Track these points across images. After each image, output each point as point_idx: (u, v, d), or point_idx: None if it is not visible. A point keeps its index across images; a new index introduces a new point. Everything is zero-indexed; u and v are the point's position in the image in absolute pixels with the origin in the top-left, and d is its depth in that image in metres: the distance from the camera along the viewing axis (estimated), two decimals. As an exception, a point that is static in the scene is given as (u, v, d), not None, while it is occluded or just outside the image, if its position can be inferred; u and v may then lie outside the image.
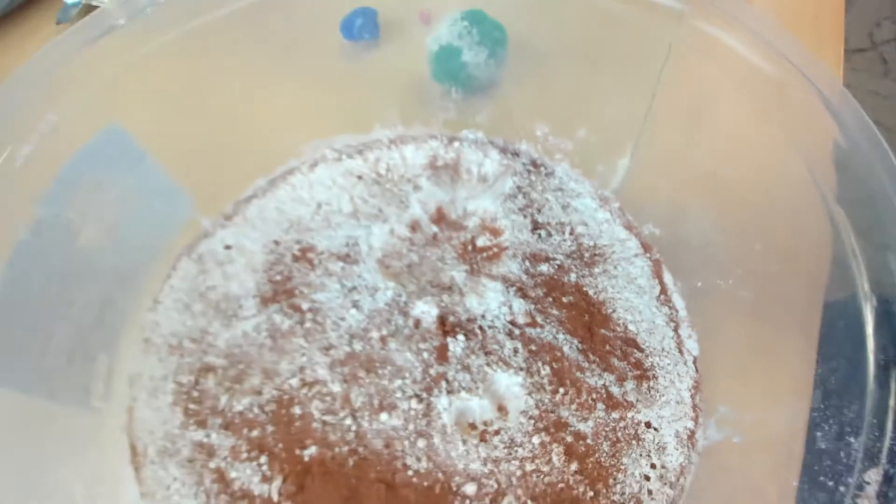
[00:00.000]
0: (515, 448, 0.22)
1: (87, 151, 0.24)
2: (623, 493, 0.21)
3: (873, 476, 0.15)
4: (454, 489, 0.22)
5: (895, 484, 0.14)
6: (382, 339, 0.25)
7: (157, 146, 0.26)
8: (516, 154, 0.29)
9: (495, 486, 0.22)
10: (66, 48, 0.22)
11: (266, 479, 0.23)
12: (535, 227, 0.27)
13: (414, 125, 0.29)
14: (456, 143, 0.29)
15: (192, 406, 0.25)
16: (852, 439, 0.16)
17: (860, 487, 0.15)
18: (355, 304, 0.26)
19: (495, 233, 0.27)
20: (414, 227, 0.28)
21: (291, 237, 0.27)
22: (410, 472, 0.22)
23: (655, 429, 0.22)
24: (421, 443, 0.23)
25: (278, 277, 0.27)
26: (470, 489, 0.22)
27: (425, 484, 0.22)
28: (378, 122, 0.29)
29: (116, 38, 0.23)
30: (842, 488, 0.15)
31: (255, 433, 0.23)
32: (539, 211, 0.27)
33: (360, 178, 0.28)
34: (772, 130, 0.22)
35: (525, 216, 0.27)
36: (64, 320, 0.24)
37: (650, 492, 0.21)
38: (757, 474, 0.19)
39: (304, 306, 0.26)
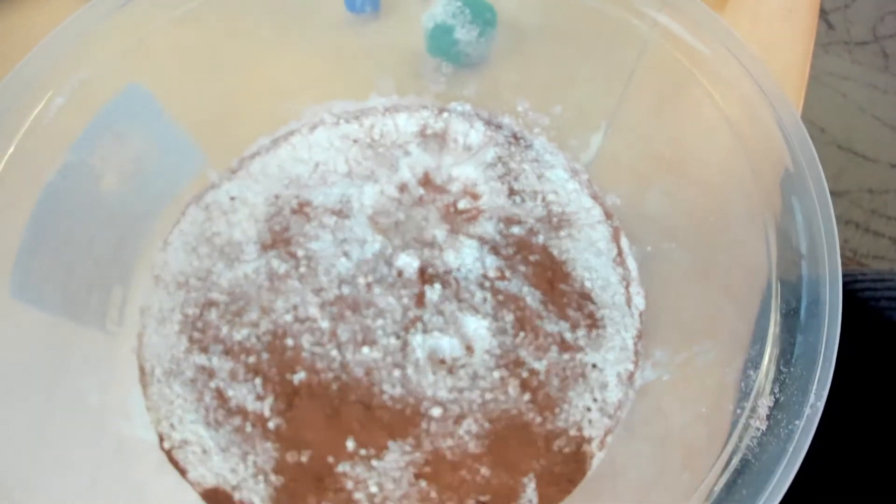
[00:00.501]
0: (478, 380, 0.26)
1: (111, 106, 0.26)
2: (567, 420, 0.25)
3: (764, 402, 0.18)
4: (422, 412, 0.25)
5: (780, 405, 0.18)
6: (368, 285, 0.28)
7: (173, 104, 0.28)
8: (499, 127, 0.31)
9: (458, 410, 0.25)
10: (98, 13, 0.25)
11: (259, 398, 0.26)
12: (511, 193, 0.30)
13: (408, 95, 0.32)
14: (445, 114, 0.32)
15: (196, 334, 0.28)
16: (752, 373, 0.19)
17: (754, 410, 0.18)
18: (345, 254, 0.29)
19: (475, 197, 0.30)
20: (402, 188, 0.30)
21: (291, 192, 0.30)
22: (386, 397, 0.25)
23: (600, 369, 0.25)
24: (396, 373, 0.26)
25: (277, 227, 0.30)
26: (436, 412, 0.25)
27: (398, 406, 0.25)
28: (374, 90, 0.31)
29: (141, 5, 0.25)
30: (739, 411, 0.18)
31: (251, 359, 0.27)
32: (516, 179, 0.30)
33: (355, 141, 0.31)
34: (727, 131, 0.25)
35: (503, 183, 0.30)
36: (85, 254, 0.27)
37: (590, 421, 0.25)
38: (677, 404, 0.22)
39: (300, 253, 0.29)
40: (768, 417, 0.18)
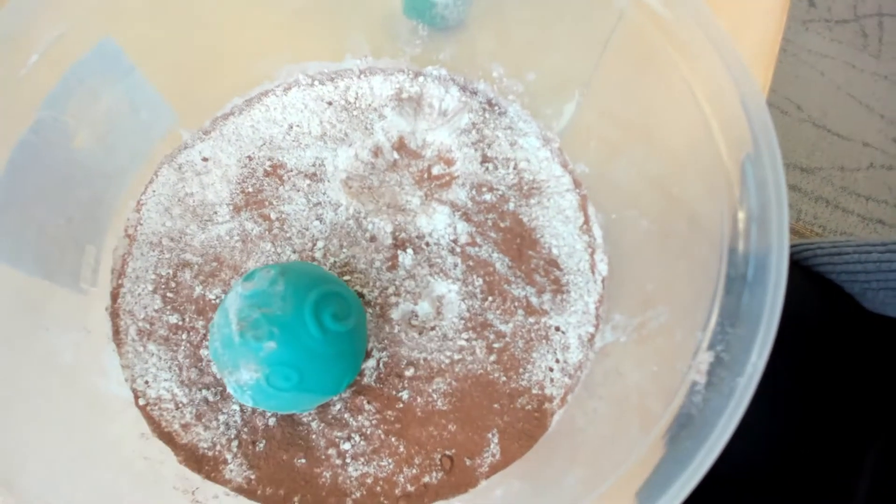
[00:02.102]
0: (447, 342, 0.27)
1: (84, 62, 0.26)
2: (530, 380, 0.26)
3: (706, 358, 0.19)
4: (397, 372, 0.26)
5: (725, 364, 0.19)
6: (341, 248, 0.29)
7: (145, 62, 0.28)
8: (474, 93, 0.32)
9: (428, 370, 0.26)
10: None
11: (232, 357, 0.27)
12: (484, 160, 0.30)
13: (383, 58, 0.32)
14: (421, 78, 0.32)
15: (169, 294, 0.28)
16: (699, 333, 0.20)
17: (698, 367, 0.19)
18: (319, 217, 0.29)
19: (448, 163, 0.31)
20: (377, 152, 0.31)
21: (264, 154, 0.30)
22: (356, 357, 0.26)
23: (563, 332, 0.26)
24: (366, 333, 0.27)
25: (250, 189, 0.30)
26: (408, 372, 0.26)
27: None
28: (349, 51, 0.31)
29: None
30: (685, 369, 0.19)
31: (224, 318, 0.27)
32: (489, 146, 0.31)
33: (329, 103, 0.31)
34: (693, 104, 0.25)
35: (476, 150, 0.31)
36: (58, 212, 0.27)
37: (552, 380, 0.26)
38: (632, 365, 0.23)
39: (273, 216, 0.29)
40: (708, 373, 0.19)
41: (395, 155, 0.31)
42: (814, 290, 0.40)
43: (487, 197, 0.30)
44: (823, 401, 0.36)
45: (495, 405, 0.26)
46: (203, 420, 0.26)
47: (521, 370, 0.26)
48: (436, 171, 0.30)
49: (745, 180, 0.21)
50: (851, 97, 1.00)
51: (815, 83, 1.03)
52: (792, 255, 0.42)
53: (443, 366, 0.26)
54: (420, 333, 0.27)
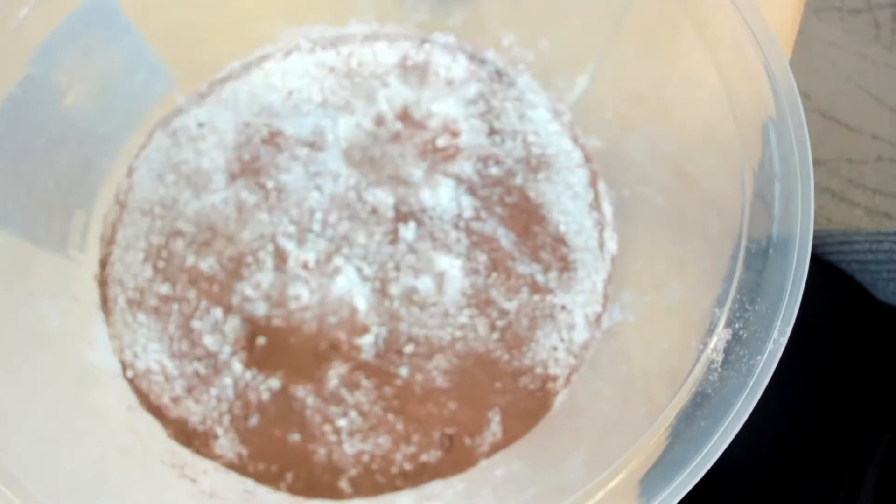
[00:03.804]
0: (448, 318, 0.26)
1: (76, 16, 0.25)
2: (533, 359, 0.25)
3: (724, 335, 0.18)
4: (396, 348, 0.25)
5: (743, 341, 0.18)
6: (340, 220, 0.28)
7: (141, 20, 0.27)
8: (483, 61, 0.30)
9: (429, 347, 0.25)
10: None
11: (225, 330, 0.26)
12: (492, 132, 0.29)
13: (388, 23, 0.30)
14: (427, 45, 0.30)
15: (160, 263, 0.27)
16: (717, 311, 0.19)
17: (715, 345, 0.18)
18: (318, 188, 0.28)
19: (454, 134, 0.29)
20: (379, 121, 0.29)
21: (262, 120, 0.29)
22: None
23: (568, 311, 0.25)
24: (365, 307, 0.26)
25: (247, 157, 0.29)
26: (408, 349, 0.25)
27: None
28: (353, 15, 0.30)
29: None
30: (701, 346, 0.18)
31: (216, 288, 0.26)
32: (497, 118, 0.29)
33: (331, 70, 0.30)
34: (714, 76, 0.24)
35: (483, 121, 0.29)
36: (46, 174, 0.26)
37: (556, 360, 0.25)
38: (641, 345, 0.22)
39: (270, 185, 0.28)
40: (726, 350, 0.18)
41: (399, 125, 0.29)
42: (822, 279, 0.39)
43: (494, 171, 0.28)
44: (831, 392, 0.35)
45: (497, 384, 0.25)
46: (194, 393, 0.26)
47: (524, 349, 0.25)
48: (440, 142, 0.29)
49: (769, 150, 0.19)
50: (861, 88, 0.99)
51: (826, 73, 1.01)
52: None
53: (444, 343, 0.25)
54: (421, 309, 0.26)
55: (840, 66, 1.02)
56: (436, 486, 0.24)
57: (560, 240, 0.27)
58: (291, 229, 0.27)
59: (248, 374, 0.26)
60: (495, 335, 0.25)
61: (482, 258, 0.27)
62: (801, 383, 0.35)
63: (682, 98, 0.27)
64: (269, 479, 0.24)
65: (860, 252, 0.38)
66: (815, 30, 1.04)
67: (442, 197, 0.28)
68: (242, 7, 0.29)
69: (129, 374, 0.26)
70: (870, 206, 0.92)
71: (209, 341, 0.26)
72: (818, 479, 0.32)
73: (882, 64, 1.03)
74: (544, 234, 0.27)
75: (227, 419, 0.25)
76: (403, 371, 0.25)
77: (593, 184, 0.28)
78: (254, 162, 0.29)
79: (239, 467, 0.24)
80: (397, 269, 0.27)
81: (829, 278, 0.39)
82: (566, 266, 0.26)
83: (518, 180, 0.28)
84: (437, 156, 0.29)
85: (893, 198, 0.92)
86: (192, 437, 0.25)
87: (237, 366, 0.26)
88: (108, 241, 0.28)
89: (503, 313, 0.25)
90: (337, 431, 0.25)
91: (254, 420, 0.25)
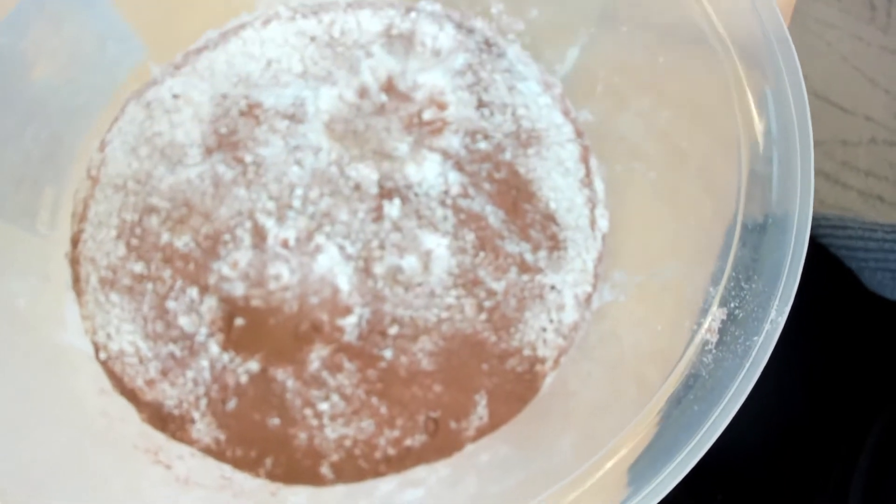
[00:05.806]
0: (434, 298, 0.25)
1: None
2: (521, 340, 0.24)
3: (719, 315, 0.17)
4: (380, 330, 0.24)
5: (739, 321, 0.17)
6: (322, 196, 0.26)
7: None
8: (471, 31, 0.29)
9: (414, 328, 0.24)
10: None
11: (201, 310, 0.25)
12: (480, 105, 0.28)
13: (372, -9, 0.29)
14: (413, 14, 0.29)
15: (134, 241, 0.26)
16: (712, 290, 0.18)
17: (709, 325, 0.17)
18: (298, 162, 0.27)
19: (441, 107, 0.28)
20: (362, 93, 0.28)
21: (239, 92, 0.28)
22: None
23: (558, 291, 0.25)
24: (347, 287, 0.25)
25: (224, 130, 0.27)
26: (393, 330, 0.24)
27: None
28: (335, -18, 0.29)
29: None
30: (695, 326, 0.18)
31: (191, 267, 0.25)
32: (486, 90, 0.28)
33: (312, 39, 0.29)
34: (711, 48, 0.23)
35: (471, 94, 0.28)
36: (13, 148, 0.25)
37: (545, 341, 0.24)
38: (632, 325, 0.21)
39: (248, 159, 0.27)
40: (720, 331, 0.17)
41: (383, 97, 0.28)
42: (814, 261, 0.38)
43: (482, 145, 0.27)
44: (824, 378, 0.35)
45: (484, 366, 0.24)
46: (169, 376, 0.25)
47: (512, 330, 0.24)
48: (427, 115, 0.28)
49: (767, 121, 0.19)
50: (856, 70, 0.98)
51: (821, 54, 1.00)
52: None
53: (429, 324, 0.24)
54: (406, 289, 0.25)
55: (835, 47, 1.01)
56: (420, 472, 0.23)
57: (550, 217, 0.26)
58: (271, 205, 0.26)
59: (226, 357, 0.25)
60: (482, 316, 0.24)
61: (469, 237, 0.26)
62: (793, 368, 0.34)
63: (676, 70, 0.26)
64: (248, 464, 0.23)
65: (852, 238, 0.38)
66: (810, 10, 1.02)
67: (428, 172, 0.27)
68: (218, -28, 0.28)
69: (102, 355, 0.25)
70: (863, 188, 0.92)
71: (185, 322, 0.25)
72: (809, 465, 0.32)
73: (877, 46, 1.02)
74: (534, 212, 0.26)
75: (203, 403, 0.24)
76: (387, 353, 0.24)
77: (585, 159, 0.27)
78: (231, 135, 0.27)
79: (216, 452, 0.24)
80: (381, 247, 0.26)
81: (823, 261, 0.38)
82: (556, 245, 0.25)
83: (507, 155, 0.27)
84: (424, 129, 0.28)
85: (887, 181, 0.92)
86: (167, 422, 0.24)
87: (214, 348, 0.25)
88: (80, 217, 0.27)
89: (491, 294, 0.25)
90: (318, 415, 0.24)
91: (232, 404, 0.24)
